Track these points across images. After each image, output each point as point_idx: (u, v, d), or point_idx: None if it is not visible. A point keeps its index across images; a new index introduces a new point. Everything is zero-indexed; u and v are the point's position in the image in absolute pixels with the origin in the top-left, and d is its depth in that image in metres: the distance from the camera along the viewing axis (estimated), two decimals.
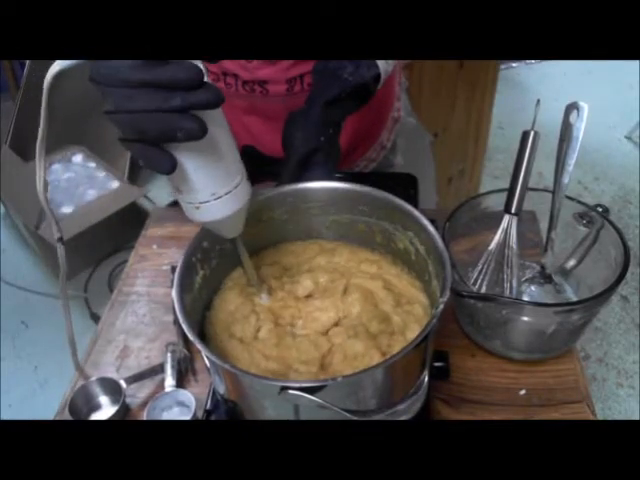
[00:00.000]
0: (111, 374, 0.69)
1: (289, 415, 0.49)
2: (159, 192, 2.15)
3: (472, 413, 0.64)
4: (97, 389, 0.67)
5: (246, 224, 0.53)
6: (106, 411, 0.67)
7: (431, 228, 0.55)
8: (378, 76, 0.70)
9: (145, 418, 0.62)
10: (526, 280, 0.72)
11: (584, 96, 0.61)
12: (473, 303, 0.64)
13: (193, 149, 0.43)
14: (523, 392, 0.66)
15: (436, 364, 0.62)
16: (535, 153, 0.64)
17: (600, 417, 1.28)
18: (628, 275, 0.62)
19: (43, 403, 1.60)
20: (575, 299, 0.69)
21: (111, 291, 1.74)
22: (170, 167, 0.42)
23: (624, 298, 1.81)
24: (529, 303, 0.63)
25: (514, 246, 0.65)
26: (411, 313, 0.57)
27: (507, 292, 0.66)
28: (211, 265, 0.59)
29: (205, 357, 0.48)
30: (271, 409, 0.50)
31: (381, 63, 0.70)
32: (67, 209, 1.84)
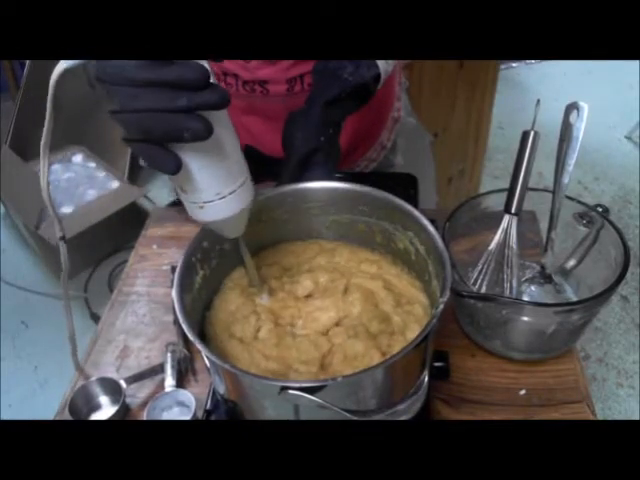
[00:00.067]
0: (111, 374, 0.69)
1: (289, 415, 0.49)
2: (159, 192, 2.16)
3: (472, 413, 0.64)
4: (97, 389, 0.67)
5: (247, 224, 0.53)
6: (106, 411, 0.67)
7: (431, 228, 0.55)
8: (378, 76, 0.70)
9: (145, 418, 0.62)
10: (526, 280, 0.72)
11: (584, 96, 0.61)
12: (473, 303, 0.64)
13: (198, 149, 0.43)
14: (523, 392, 0.66)
15: (436, 364, 0.62)
16: (535, 153, 0.64)
17: (600, 417, 1.28)
18: (628, 275, 0.62)
19: (43, 403, 1.60)
20: (575, 299, 0.69)
21: (111, 291, 1.74)
22: (175, 167, 0.42)
23: (624, 298, 1.81)
24: (529, 303, 0.63)
25: (514, 246, 0.65)
26: (411, 313, 0.57)
27: (507, 292, 0.66)
28: (211, 265, 0.59)
29: (205, 357, 0.48)
30: (271, 409, 0.50)
31: (381, 63, 0.70)
32: (67, 209, 1.84)
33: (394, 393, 0.51)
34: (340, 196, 0.62)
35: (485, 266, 0.67)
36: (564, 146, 0.64)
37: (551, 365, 0.68)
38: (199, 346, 0.46)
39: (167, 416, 0.65)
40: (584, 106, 0.62)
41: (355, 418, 0.46)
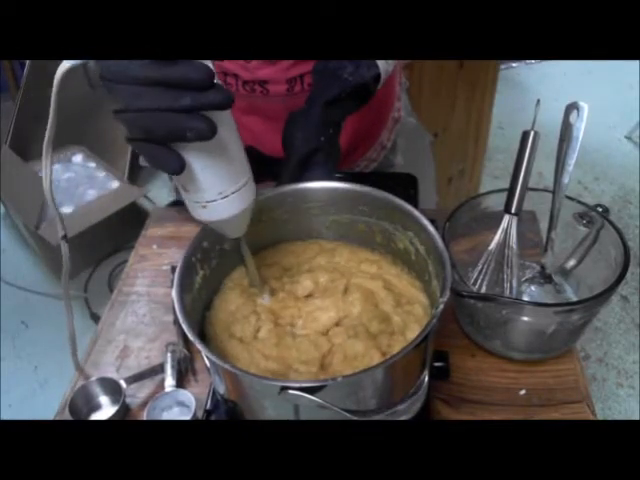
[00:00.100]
0: (111, 374, 0.69)
1: (289, 415, 0.49)
2: (159, 192, 2.16)
3: (472, 413, 0.64)
4: (97, 389, 0.67)
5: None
6: (106, 411, 0.67)
7: (431, 228, 0.55)
8: (378, 76, 0.70)
9: (145, 418, 0.62)
10: (526, 280, 0.72)
11: (584, 96, 0.61)
12: (473, 303, 0.64)
13: (202, 149, 0.43)
14: (523, 392, 0.66)
15: (436, 364, 0.62)
16: (535, 153, 0.64)
17: (600, 417, 1.28)
18: (628, 275, 0.62)
19: (43, 403, 1.60)
20: (575, 299, 0.69)
21: (111, 291, 1.75)
22: (179, 167, 0.42)
23: (624, 298, 1.81)
24: (529, 303, 0.63)
25: (514, 246, 0.65)
26: (411, 313, 0.57)
27: (507, 292, 0.66)
28: (211, 265, 0.59)
29: (205, 357, 0.48)
30: (271, 409, 0.50)
31: (381, 63, 0.70)
32: (67, 209, 1.84)
33: (394, 393, 0.51)
34: (340, 196, 0.62)
35: (485, 266, 0.67)
36: (564, 146, 0.64)
37: (551, 365, 0.68)
38: (199, 346, 0.46)
39: (167, 416, 0.65)
40: (584, 106, 0.62)
41: (355, 418, 0.46)
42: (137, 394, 0.68)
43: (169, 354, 0.69)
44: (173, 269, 0.55)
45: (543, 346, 0.66)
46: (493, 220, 0.68)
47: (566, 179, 0.65)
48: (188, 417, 0.63)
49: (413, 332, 0.55)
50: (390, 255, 0.64)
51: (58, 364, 1.46)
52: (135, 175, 2.21)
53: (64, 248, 0.55)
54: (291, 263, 0.64)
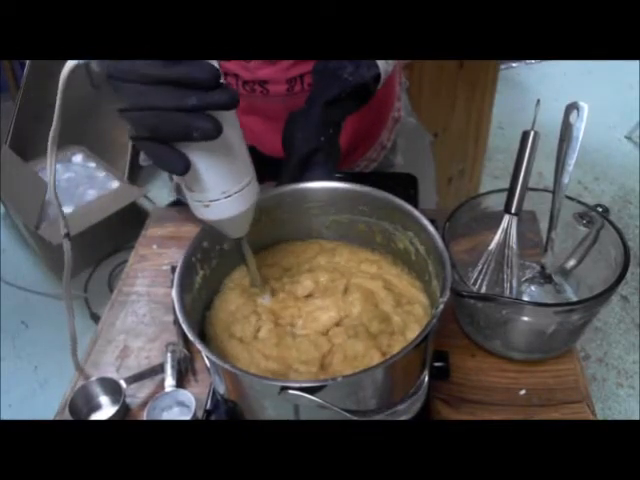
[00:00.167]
0: (111, 374, 0.69)
1: (289, 415, 0.49)
2: (159, 192, 2.16)
3: (472, 413, 0.64)
4: (97, 389, 0.67)
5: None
6: (106, 411, 0.67)
7: (431, 228, 0.55)
8: (378, 76, 0.70)
9: (145, 418, 0.62)
10: (526, 280, 0.72)
11: (584, 96, 0.61)
12: (473, 303, 0.64)
13: (207, 148, 0.43)
14: (523, 392, 0.66)
15: (436, 364, 0.62)
16: (535, 153, 0.64)
17: (600, 417, 1.28)
18: (628, 275, 0.62)
19: (43, 403, 1.60)
20: (575, 299, 0.69)
21: (111, 291, 1.75)
22: (184, 167, 0.42)
23: (624, 298, 1.81)
24: (529, 303, 0.63)
25: (514, 246, 0.65)
26: (411, 313, 0.57)
27: (507, 292, 0.66)
28: (211, 265, 0.59)
29: (205, 357, 0.48)
30: (271, 409, 0.50)
31: (381, 63, 0.70)
32: (67, 209, 1.84)
33: (394, 393, 0.51)
34: (340, 196, 0.62)
35: (485, 266, 0.67)
36: (564, 146, 0.64)
37: (551, 365, 0.68)
38: (199, 346, 0.46)
39: (167, 416, 0.65)
40: (584, 106, 0.62)
41: (355, 418, 0.46)
42: (137, 394, 0.68)
43: (169, 354, 0.69)
44: (173, 269, 0.55)
45: (543, 346, 0.66)
46: (493, 220, 0.68)
47: (566, 179, 0.65)
48: (188, 417, 0.63)
49: (413, 332, 0.55)
50: (390, 255, 0.64)
51: (58, 364, 1.46)
52: (135, 175, 2.21)
53: (66, 246, 0.55)
54: (291, 263, 0.64)
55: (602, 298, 0.59)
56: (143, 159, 0.92)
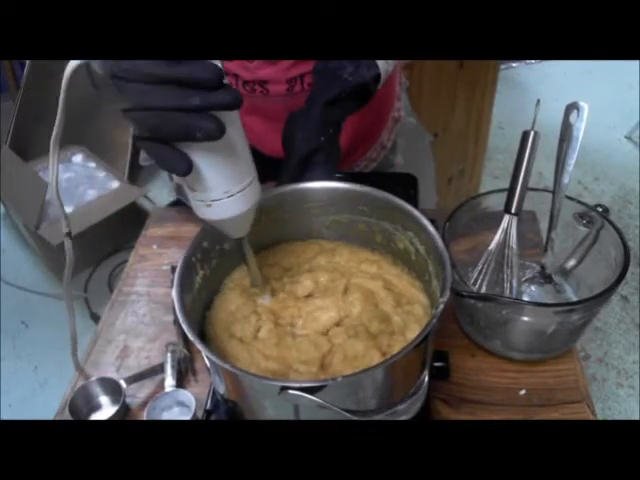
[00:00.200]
0: (111, 374, 0.69)
1: (289, 415, 0.49)
2: (159, 192, 2.16)
3: (472, 413, 0.64)
4: (97, 389, 0.67)
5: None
6: (106, 411, 0.67)
7: (431, 228, 0.55)
8: (378, 76, 0.70)
9: (145, 418, 0.62)
10: (526, 280, 0.72)
11: (584, 96, 0.61)
12: (473, 303, 0.64)
13: (209, 148, 0.43)
14: (523, 392, 0.66)
15: (436, 364, 0.62)
16: (535, 153, 0.64)
17: (600, 417, 1.28)
18: (628, 275, 0.62)
19: (43, 403, 1.60)
20: (575, 299, 0.69)
21: (111, 291, 1.75)
22: (186, 168, 0.42)
23: (624, 298, 1.81)
24: (529, 303, 0.63)
25: (514, 246, 0.65)
26: (411, 313, 0.57)
27: (507, 292, 0.66)
28: (211, 265, 0.59)
29: (205, 357, 0.48)
30: (271, 409, 0.50)
31: (381, 63, 0.70)
32: (67, 209, 1.83)
33: (394, 393, 0.51)
34: (340, 196, 0.62)
35: (485, 266, 0.67)
36: (564, 146, 0.64)
37: (551, 365, 0.68)
38: (199, 346, 0.46)
39: (167, 416, 0.65)
40: (584, 106, 0.62)
41: (355, 418, 0.46)
42: (137, 394, 0.68)
43: (169, 354, 0.69)
44: (173, 269, 0.55)
45: (543, 346, 0.66)
46: (493, 220, 0.68)
47: (566, 179, 0.65)
48: (188, 417, 0.63)
49: (413, 332, 0.55)
50: (390, 255, 0.64)
51: (58, 364, 1.46)
52: (135, 175, 2.21)
53: (68, 244, 0.55)
54: (291, 263, 0.64)
55: (602, 298, 0.59)
56: (143, 159, 0.92)
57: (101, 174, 2.02)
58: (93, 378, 0.67)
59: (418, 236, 0.58)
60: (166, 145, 0.42)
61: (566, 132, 0.63)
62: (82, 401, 0.66)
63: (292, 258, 0.64)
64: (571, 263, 0.71)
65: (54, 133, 0.45)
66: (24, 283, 1.86)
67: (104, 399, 0.68)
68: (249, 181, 0.48)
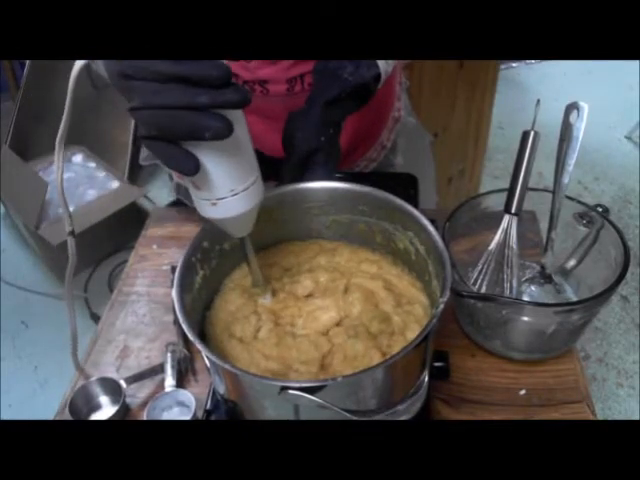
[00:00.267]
0: (111, 374, 0.69)
1: (289, 415, 0.49)
2: (159, 192, 2.16)
3: (472, 413, 0.64)
4: (97, 389, 0.67)
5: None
6: (106, 411, 0.67)
7: (431, 228, 0.55)
8: (378, 76, 0.70)
9: (145, 418, 0.62)
10: (526, 280, 0.72)
11: (584, 96, 0.61)
12: (473, 303, 0.64)
13: (216, 147, 0.43)
14: (523, 392, 0.66)
15: (436, 364, 0.62)
16: (535, 153, 0.64)
17: (600, 417, 1.28)
18: (628, 275, 0.62)
19: (43, 403, 1.60)
20: (575, 299, 0.69)
21: (111, 291, 1.75)
22: (194, 168, 0.42)
23: (624, 298, 1.81)
24: (529, 303, 0.63)
25: (514, 246, 0.65)
26: (411, 313, 0.57)
27: (507, 292, 0.66)
28: (211, 265, 0.59)
29: (205, 357, 0.48)
30: (271, 409, 0.50)
31: (381, 63, 0.70)
32: None
33: (394, 393, 0.51)
34: (340, 196, 0.62)
35: (485, 266, 0.67)
36: (564, 146, 0.64)
37: (551, 365, 0.68)
38: (199, 346, 0.46)
39: (167, 416, 0.65)
40: (584, 106, 0.62)
41: (355, 418, 0.46)
42: (137, 394, 0.68)
43: (169, 354, 0.69)
44: (173, 269, 0.55)
45: (543, 346, 0.66)
46: (493, 220, 0.68)
47: (566, 179, 0.65)
48: (188, 417, 0.63)
49: (413, 332, 0.55)
50: (390, 255, 0.64)
51: (58, 364, 1.46)
52: (135, 175, 2.21)
53: (71, 243, 0.55)
54: (291, 263, 0.64)
55: (602, 298, 0.59)
56: (143, 159, 0.92)
57: (101, 174, 2.02)
58: (93, 378, 0.67)
59: (418, 236, 0.58)
60: (173, 144, 0.42)
61: (566, 132, 0.63)
62: (82, 401, 0.66)
63: (292, 258, 0.64)
64: (571, 263, 0.71)
65: (60, 132, 0.45)
66: (24, 283, 1.87)
67: (104, 399, 0.68)
68: (253, 179, 0.48)
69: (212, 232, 0.57)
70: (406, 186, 0.83)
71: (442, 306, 0.48)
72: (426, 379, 0.51)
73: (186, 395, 0.64)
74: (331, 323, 0.56)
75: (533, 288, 0.71)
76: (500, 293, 0.66)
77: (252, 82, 0.79)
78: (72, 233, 0.55)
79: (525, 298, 0.69)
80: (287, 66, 0.77)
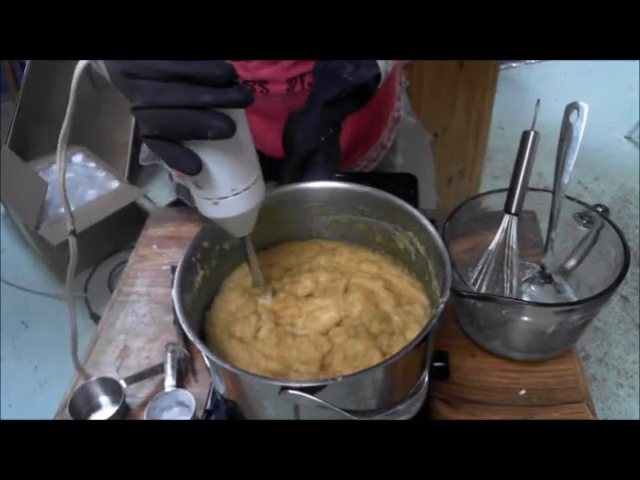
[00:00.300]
0: (111, 374, 0.69)
1: (289, 415, 0.49)
2: (159, 192, 2.16)
3: (472, 413, 0.64)
4: (97, 389, 0.67)
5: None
6: (106, 411, 0.67)
7: (431, 228, 0.56)
8: (378, 76, 0.70)
9: (145, 418, 0.62)
10: (526, 280, 0.72)
11: (584, 96, 0.61)
12: (473, 303, 0.64)
13: (218, 146, 0.43)
14: (523, 392, 0.66)
15: (436, 364, 0.62)
16: (535, 153, 0.64)
17: (600, 417, 1.28)
18: (628, 275, 0.62)
19: (43, 403, 1.60)
20: (575, 299, 0.69)
21: (111, 291, 1.75)
22: (196, 167, 0.42)
23: (624, 298, 1.81)
24: (529, 303, 0.63)
25: (514, 246, 0.65)
26: (411, 313, 0.57)
27: (507, 292, 0.66)
28: (211, 265, 0.59)
29: (205, 357, 0.48)
30: (271, 409, 0.50)
31: (381, 63, 0.70)
32: None
33: (394, 393, 0.51)
34: (340, 196, 0.62)
35: (485, 266, 0.67)
36: (564, 146, 0.64)
37: (551, 365, 0.68)
38: (199, 346, 0.46)
39: (167, 416, 0.65)
40: (584, 106, 0.62)
41: (355, 418, 0.46)
42: (137, 394, 0.68)
43: (169, 354, 0.69)
44: (173, 269, 0.55)
45: (543, 346, 0.66)
46: (493, 220, 0.68)
47: (566, 179, 0.65)
48: (188, 417, 0.63)
49: (413, 332, 0.55)
50: (390, 255, 0.64)
51: (58, 364, 1.46)
52: (135, 175, 2.21)
53: (72, 242, 0.55)
54: (291, 263, 0.64)
55: (602, 298, 0.59)
56: (143, 159, 0.92)
57: (101, 174, 2.02)
58: (93, 378, 0.67)
59: (418, 236, 0.58)
60: (175, 144, 0.42)
61: (566, 132, 0.63)
62: (82, 401, 0.66)
63: (292, 258, 0.64)
64: (571, 263, 0.71)
65: (62, 132, 0.45)
66: (24, 283, 1.87)
67: (104, 399, 0.68)
68: (254, 179, 0.48)
69: (212, 232, 0.57)
70: (406, 186, 0.83)
71: (442, 306, 0.48)
72: (426, 379, 0.51)
73: (186, 395, 0.64)
74: (331, 323, 0.56)
75: (533, 288, 0.71)
76: (500, 293, 0.66)
77: (252, 82, 0.79)
78: (73, 232, 0.55)
79: (525, 298, 0.69)
80: (287, 66, 0.77)
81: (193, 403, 0.63)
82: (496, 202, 0.69)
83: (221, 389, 0.54)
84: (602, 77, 2.75)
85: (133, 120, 1.96)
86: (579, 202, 0.69)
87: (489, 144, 1.85)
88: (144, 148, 0.90)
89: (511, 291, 0.66)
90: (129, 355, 0.73)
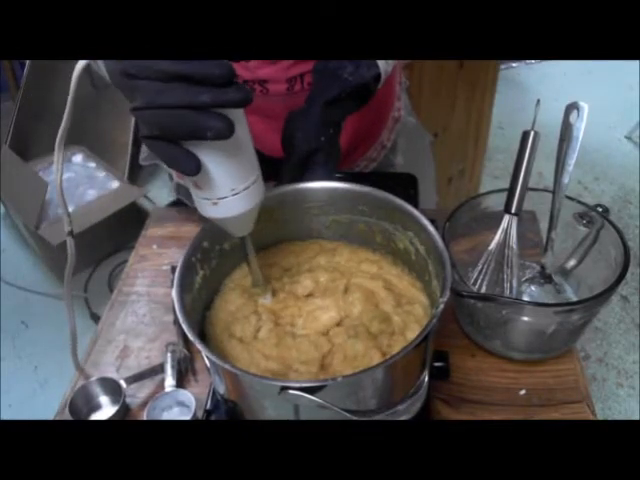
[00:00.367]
0: (111, 374, 0.69)
1: (289, 415, 0.49)
2: (159, 192, 2.16)
3: (472, 413, 0.64)
4: (97, 389, 0.67)
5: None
6: (106, 411, 0.67)
7: (431, 228, 0.56)
8: (378, 76, 0.70)
9: (145, 418, 0.62)
10: (526, 280, 0.72)
11: (584, 96, 0.61)
12: (473, 303, 0.64)
13: (217, 147, 0.43)
14: (523, 392, 0.66)
15: (436, 364, 0.62)
16: (535, 153, 0.64)
17: (600, 417, 1.28)
18: (628, 275, 0.62)
19: (43, 403, 1.60)
20: (575, 299, 0.69)
21: (111, 291, 1.75)
22: (195, 168, 0.42)
23: (624, 298, 1.81)
24: (529, 303, 0.63)
25: (514, 246, 0.65)
26: (411, 313, 0.57)
27: (507, 292, 0.66)
28: (211, 265, 0.59)
29: (205, 357, 0.48)
30: (271, 409, 0.50)
31: (381, 63, 0.70)
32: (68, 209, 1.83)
33: (394, 393, 0.51)
34: (340, 196, 0.62)
35: (485, 266, 0.67)
36: (564, 146, 0.64)
37: (551, 365, 0.68)
38: (199, 346, 0.46)
39: (167, 416, 0.65)
40: (584, 106, 0.62)
41: (355, 418, 0.46)
42: (137, 394, 0.68)
43: (169, 354, 0.69)
44: (173, 269, 0.55)
45: (543, 346, 0.66)
46: (493, 220, 0.68)
47: (566, 179, 0.65)
48: (188, 417, 0.63)
49: (413, 332, 0.55)
50: (390, 255, 0.64)
51: (58, 364, 1.46)
52: (135, 175, 2.21)
53: (70, 243, 0.55)
54: (291, 263, 0.64)
55: (602, 298, 0.59)
56: (143, 159, 0.92)
57: (101, 174, 2.02)
58: (93, 378, 0.67)
59: (418, 236, 0.58)
60: (174, 144, 0.42)
61: (566, 132, 0.63)
62: (82, 401, 0.66)
63: (292, 258, 0.64)
64: (571, 263, 0.71)
65: (60, 132, 0.45)
66: (24, 283, 1.87)
67: (104, 399, 0.68)
68: (254, 179, 0.48)
69: (212, 232, 0.57)
70: (406, 186, 0.83)
71: (442, 306, 0.48)
72: (426, 379, 0.51)
73: (186, 395, 0.64)
74: (331, 323, 0.56)
75: (533, 288, 0.71)
76: (500, 293, 0.66)
77: (252, 82, 0.79)
78: (71, 233, 0.55)
79: (525, 298, 0.69)
80: (287, 66, 0.77)
81: (193, 403, 0.63)
82: (496, 202, 0.69)
83: (221, 389, 0.54)
84: (602, 77, 2.75)
85: (133, 120, 1.96)
86: (579, 202, 0.69)
87: (489, 144, 1.86)
88: (144, 148, 0.90)
89: (511, 291, 0.66)
90: (129, 355, 0.73)
